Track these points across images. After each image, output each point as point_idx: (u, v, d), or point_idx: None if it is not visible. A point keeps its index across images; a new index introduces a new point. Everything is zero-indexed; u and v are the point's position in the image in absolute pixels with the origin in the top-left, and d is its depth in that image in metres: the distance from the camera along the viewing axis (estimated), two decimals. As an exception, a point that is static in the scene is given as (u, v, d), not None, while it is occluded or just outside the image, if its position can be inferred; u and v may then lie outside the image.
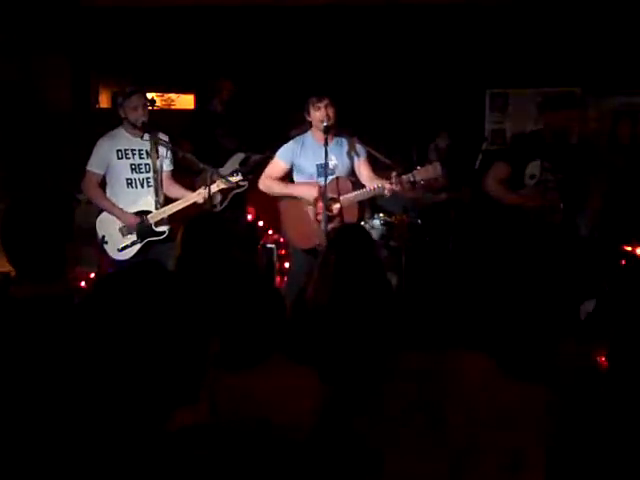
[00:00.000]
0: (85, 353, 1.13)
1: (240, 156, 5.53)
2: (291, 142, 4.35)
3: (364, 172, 4.31)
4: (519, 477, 1.54)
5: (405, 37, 6.51)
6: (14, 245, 1.90)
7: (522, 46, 6.36)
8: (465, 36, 6.42)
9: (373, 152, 4.35)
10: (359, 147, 4.30)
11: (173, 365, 1.13)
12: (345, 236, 2.22)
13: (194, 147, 5.35)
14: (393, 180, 4.05)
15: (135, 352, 1.11)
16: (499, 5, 6.30)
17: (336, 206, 4.18)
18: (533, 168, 4.29)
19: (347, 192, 4.19)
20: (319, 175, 4.20)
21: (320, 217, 4.15)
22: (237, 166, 5.44)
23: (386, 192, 4.10)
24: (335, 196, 4.18)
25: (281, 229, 4.54)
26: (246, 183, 4.89)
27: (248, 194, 5.34)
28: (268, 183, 4.39)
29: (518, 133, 5.84)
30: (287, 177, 4.42)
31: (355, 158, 4.30)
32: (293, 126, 4.85)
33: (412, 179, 4.09)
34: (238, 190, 5.00)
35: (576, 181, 4.27)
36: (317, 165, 4.22)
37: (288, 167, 4.35)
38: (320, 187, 4.15)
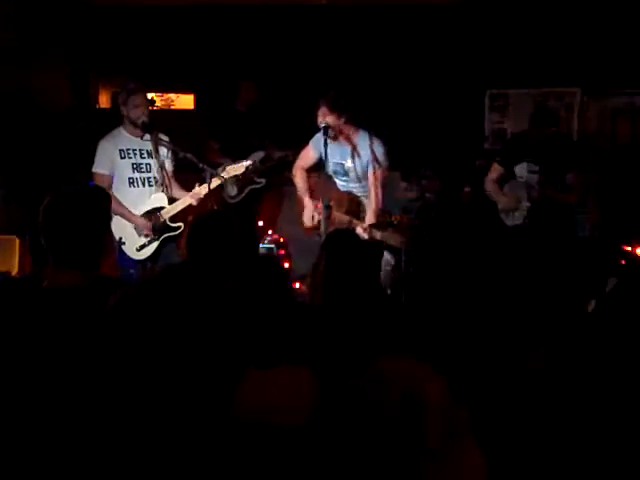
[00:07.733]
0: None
1: (260, 154, 5.50)
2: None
3: (372, 180, 4.17)
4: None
5: (405, 37, 6.52)
6: (56, 233, 1.95)
7: (522, 46, 6.36)
8: (465, 36, 6.43)
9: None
10: (381, 154, 4.16)
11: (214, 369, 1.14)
12: (335, 241, 2.24)
13: (221, 146, 5.39)
14: (366, 226, 4.05)
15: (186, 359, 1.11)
16: (499, 5, 6.31)
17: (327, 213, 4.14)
18: (521, 170, 4.54)
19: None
20: (336, 174, 4.21)
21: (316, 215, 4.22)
22: (257, 164, 5.43)
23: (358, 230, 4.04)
24: (332, 205, 4.18)
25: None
26: (263, 180, 4.87)
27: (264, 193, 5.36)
28: (294, 173, 4.37)
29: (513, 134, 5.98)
30: (317, 167, 4.31)
31: (371, 164, 4.13)
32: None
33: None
34: (256, 186, 4.97)
35: (560, 182, 4.43)
36: (333, 163, 4.19)
37: (317, 156, 4.22)
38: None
